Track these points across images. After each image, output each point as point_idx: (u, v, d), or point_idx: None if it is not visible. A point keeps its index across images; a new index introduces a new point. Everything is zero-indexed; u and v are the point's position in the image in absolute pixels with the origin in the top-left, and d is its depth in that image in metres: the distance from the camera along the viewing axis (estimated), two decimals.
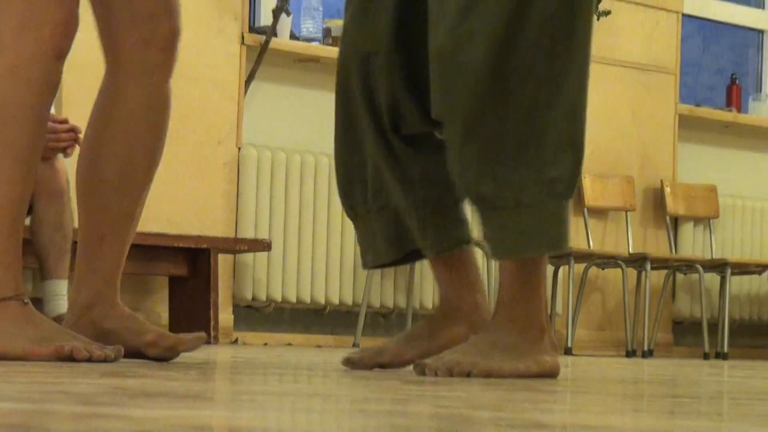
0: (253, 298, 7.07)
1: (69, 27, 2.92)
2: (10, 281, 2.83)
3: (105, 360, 2.76)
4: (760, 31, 9.57)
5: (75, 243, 3.71)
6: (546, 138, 2.84)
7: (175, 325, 6.58)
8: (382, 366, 3.03)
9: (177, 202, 6.82)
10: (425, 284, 7.47)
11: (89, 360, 2.74)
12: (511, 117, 2.83)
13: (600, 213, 8.29)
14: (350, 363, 3.04)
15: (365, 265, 3.23)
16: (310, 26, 7.44)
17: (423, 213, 3.08)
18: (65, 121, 5.37)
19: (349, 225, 7.52)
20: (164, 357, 2.97)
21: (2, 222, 2.83)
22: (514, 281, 2.89)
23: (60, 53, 2.91)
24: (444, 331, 3.06)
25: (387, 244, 3.10)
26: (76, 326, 2.96)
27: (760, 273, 8.51)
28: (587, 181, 8.11)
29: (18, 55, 2.87)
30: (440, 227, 3.07)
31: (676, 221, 8.61)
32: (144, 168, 3.12)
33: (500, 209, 2.85)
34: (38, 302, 5.65)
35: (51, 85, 2.94)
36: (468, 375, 2.76)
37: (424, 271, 7.20)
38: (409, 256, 3.14)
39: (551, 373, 2.90)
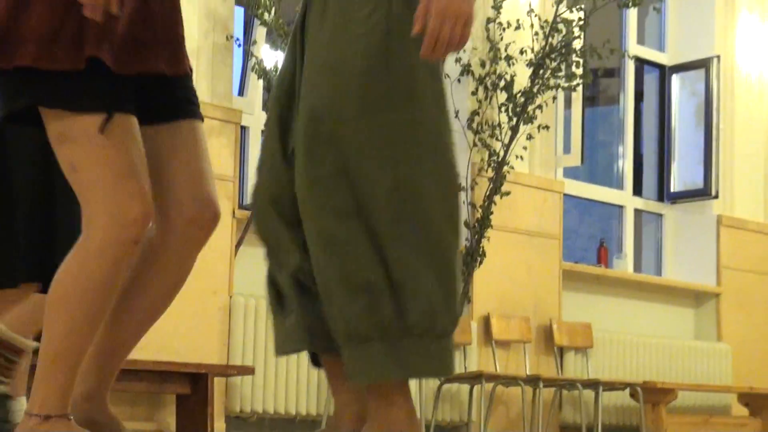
0: (241, 411, 6.97)
1: (147, 219, 2.77)
2: (61, 402, 2.75)
3: None
4: (621, 207, 9.66)
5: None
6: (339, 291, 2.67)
7: None
8: None
9: (183, 337, 6.75)
10: None
11: None
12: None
13: (504, 344, 8.25)
14: None
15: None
16: None
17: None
18: None
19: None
20: None
21: (67, 358, 2.73)
22: (371, 397, 2.67)
23: (139, 240, 2.78)
24: None
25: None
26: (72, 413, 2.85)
27: (623, 389, 8.47)
28: (494, 320, 8.10)
29: (106, 240, 2.73)
30: (281, 333, 2.86)
31: (561, 350, 8.58)
32: (159, 311, 3.03)
33: None
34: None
35: (129, 264, 2.82)
36: None
37: None
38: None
39: None
